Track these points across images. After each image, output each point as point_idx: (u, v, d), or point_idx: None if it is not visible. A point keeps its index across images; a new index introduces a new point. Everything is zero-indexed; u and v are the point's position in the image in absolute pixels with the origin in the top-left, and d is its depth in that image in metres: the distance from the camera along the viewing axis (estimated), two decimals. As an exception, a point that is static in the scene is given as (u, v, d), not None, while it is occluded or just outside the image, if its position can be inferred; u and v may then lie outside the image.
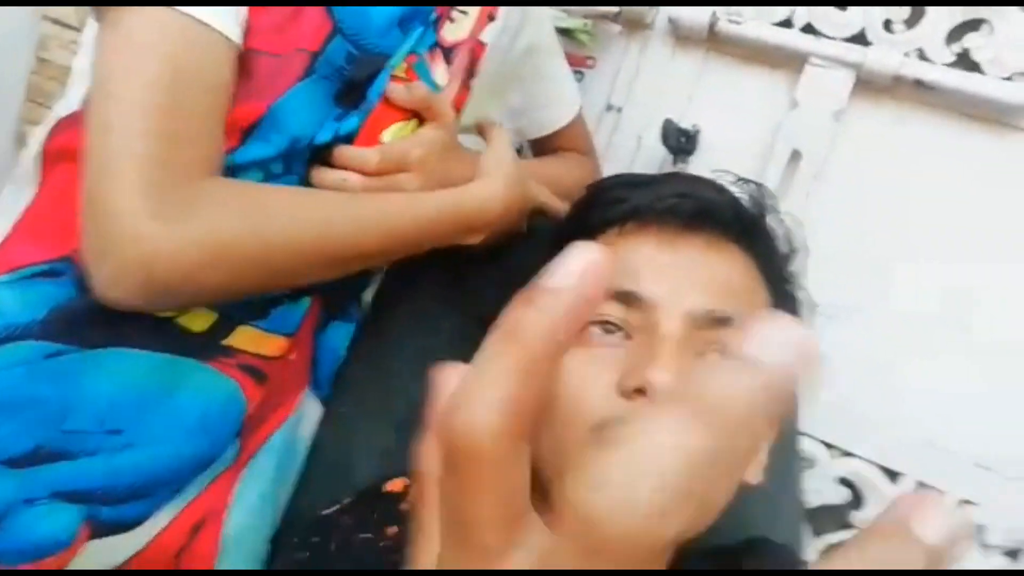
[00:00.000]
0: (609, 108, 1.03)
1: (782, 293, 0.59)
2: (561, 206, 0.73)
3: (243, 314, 0.60)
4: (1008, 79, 0.86)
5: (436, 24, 0.65)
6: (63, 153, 0.58)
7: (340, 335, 0.70)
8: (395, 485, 0.59)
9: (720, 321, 0.51)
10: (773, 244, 0.59)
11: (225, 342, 0.60)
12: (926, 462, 0.90)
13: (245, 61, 0.56)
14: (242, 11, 0.56)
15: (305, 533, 0.57)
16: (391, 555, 0.53)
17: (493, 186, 0.66)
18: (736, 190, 0.59)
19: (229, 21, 0.55)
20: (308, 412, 0.69)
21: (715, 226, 0.55)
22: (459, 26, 0.67)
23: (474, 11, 0.68)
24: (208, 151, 0.54)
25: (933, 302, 0.89)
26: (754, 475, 0.56)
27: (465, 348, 0.73)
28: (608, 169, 1.02)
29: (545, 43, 0.81)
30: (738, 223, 0.56)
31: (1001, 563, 0.87)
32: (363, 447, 0.71)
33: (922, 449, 0.90)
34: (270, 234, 0.54)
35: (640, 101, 1.02)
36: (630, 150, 1.02)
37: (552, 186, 0.75)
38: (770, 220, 0.59)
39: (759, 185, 0.60)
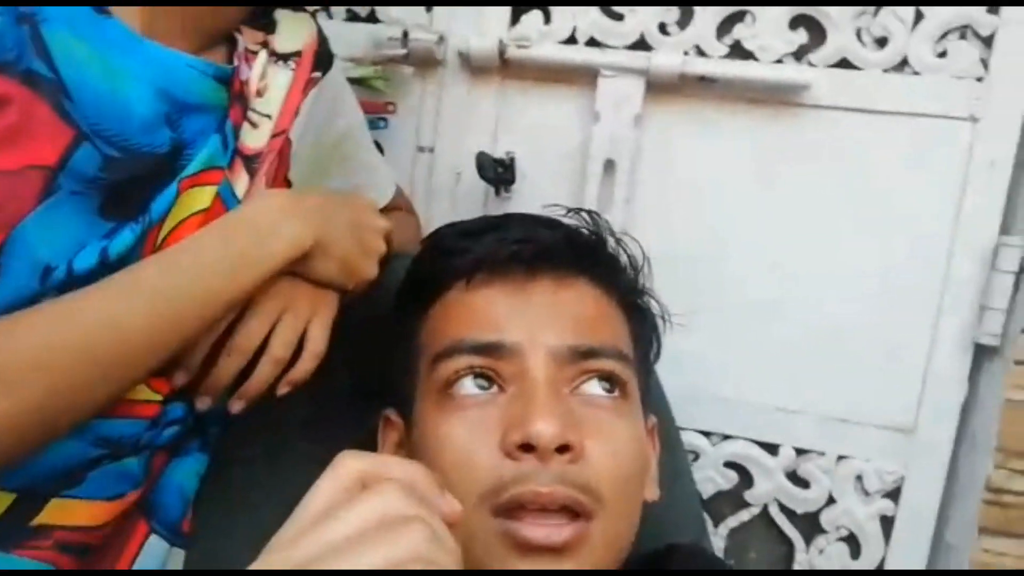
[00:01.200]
0: (421, 150, 1.01)
1: (637, 313, 0.61)
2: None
3: (51, 486, 0.52)
4: (779, 62, 0.93)
5: (235, 132, 0.59)
6: None
7: (186, 473, 0.62)
8: None
9: (584, 355, 0.52)
10: (618, 268, 0.61)
11: (35, 522, 0.52)
12: (797, 430, 0.95)
13: None
14: None
15: None
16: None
17: (263, 201, 0.57)
18: (574, 221, 0.60)
19: None
20: (158, 557, 0.60)
21: (559, 263, 0.56)
22: (260, 132, 0.61)
23: (275, 114, 0.62)
24: None
25: (759, 280, 0.94)
26: (652, 492, 0.58)
27: (338, 428, 0.66)
28: (433, 209, 1.00)
29: (355, 128, 0.78)
30: (580, 256, 0.57)
31: (884, 506, 0.93)
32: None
33: (790, 418, 0.95)
34: (46, 373, 0.46)
35: (449, 138, 1.00)
36: (450, 187, 1.00)
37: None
38: (610, 245, 0.61)
39: (592, 213, 0.62)
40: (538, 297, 0.54)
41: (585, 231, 0.60)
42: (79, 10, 0.51)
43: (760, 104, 0.94)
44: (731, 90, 0.93)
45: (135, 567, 0.58)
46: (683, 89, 0.94)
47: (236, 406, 0.58)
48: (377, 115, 0.99)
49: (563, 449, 0.47)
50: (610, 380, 0.52)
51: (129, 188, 0.53)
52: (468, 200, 0.99)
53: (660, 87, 0.94)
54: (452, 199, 1.00)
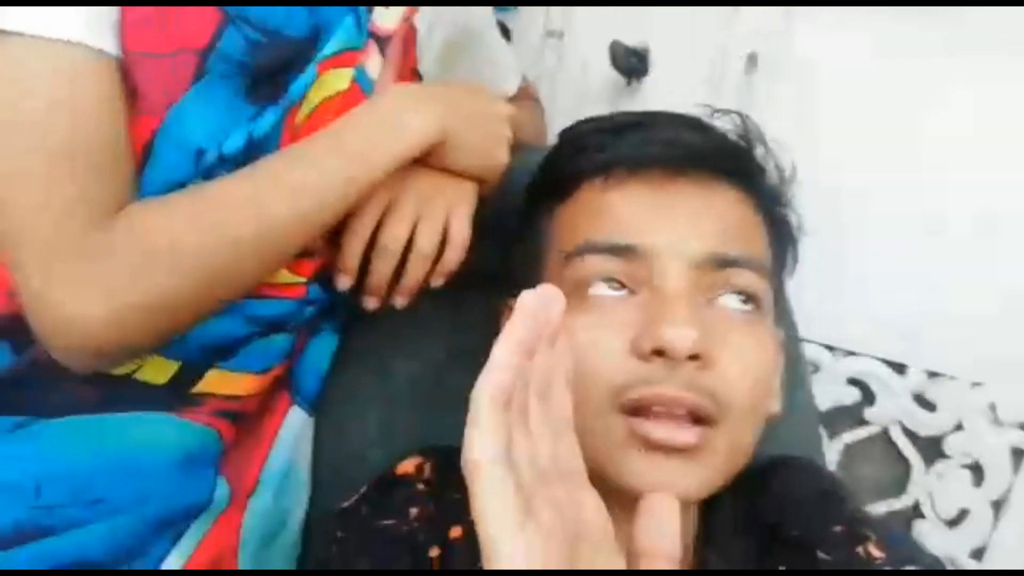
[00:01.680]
0: (550, 34, 0.97)
1: (778, 224, 0.58)
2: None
3: (209, 358, 0.56)
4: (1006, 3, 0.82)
5: (368, 12, 0.58)
6: None
7: (321, 351, 0.66)
8: (407, 466, 0.57)
9: (725, 263, 0.50)
10: (764, 176, 0.58)
11: (194, 390, 0.57)
12: (928, 351, 0.90)
13: (126, 67, 0.50)
14: (112, 13, 0.48)
15: (328, 530, 0.56)
16: (416, 537, 0.52)
17: (390, 94, 0.58)
18: (720, 123, 0.57)
19: (102, 31, 0.48)
20: (296, 427, 0.66)
21: (705, 168, 0.53)
22: (392, 12, 0.60)
23: None
24: (120, 188, 0.49)
25: (909, 198, 0.87)
26: (775, 406, 0.57)
27: (458, 315, 0.68)
28: (559, 98, 0.97)
29: (485, 24, 0.75)
30: (728, 162, 0.54)
31: (1016, 437, 0.88)
32: (369, 433, 0.69)
33: (922, 340, 0.90)
34: (207, 252, 0.49)
35: (581, 24, 0.96)
36: (579, 76, 0.96)
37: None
38: (758, 152, 0.58)
39: (743, 116, 0.58)
40: (680, 200, 0.52)
41: (733, 134, 0.57)
42: None
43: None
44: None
45: (280, 434, 0.63)
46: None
47: (399, 302, 0.61)
48: (509, -2, 0.95)
49: (693, 357, 0.47)
50: (747, 293, 0.51)
51: (271, 72, 0.54)
52: (597, 90, 0.96)
53: (817, -27, 0.85)
54: (580, 88, 0.97)
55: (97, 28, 0.47)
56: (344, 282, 0.59)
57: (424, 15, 0.63)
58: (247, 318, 0.57)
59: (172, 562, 0.57)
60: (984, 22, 0.83)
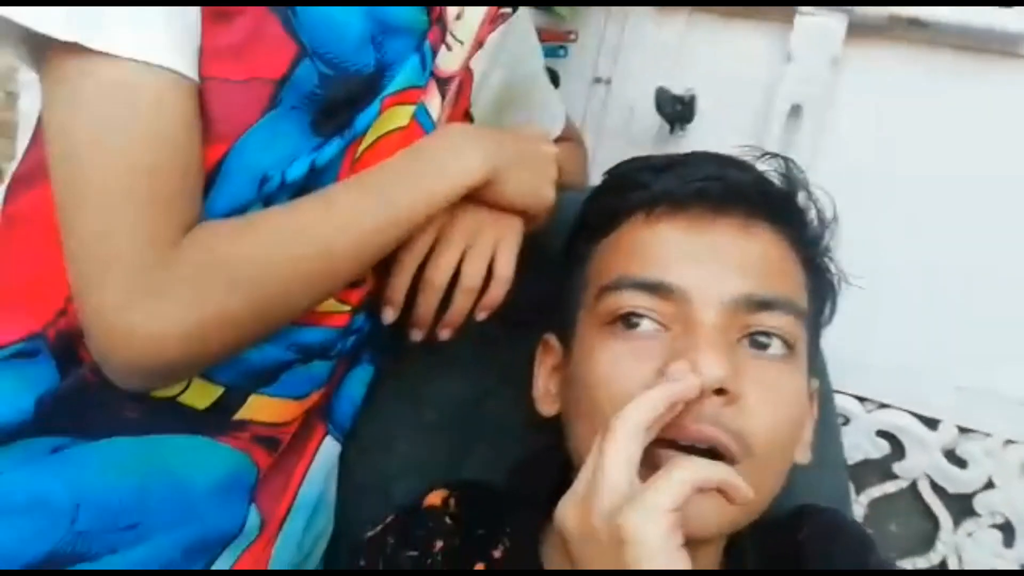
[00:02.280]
0: (597, 80, 1.00)
1: (817, 271, 0.58)
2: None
3: (251, 383, 0.58)
4: (1000, 5, 0.83)
5: (432, 53, 0.60)
6: (21, 218, 0.54)
7: (357, 381, 0.68)
8: (434, 498, 0.58)
9: (760, 305, 0.50)
10: (805, 222, 0.58)
11: (237, 416, 0.58)
12: (961, 406, 0.89)
13: (201, 93, 0.51)
14: (195, 39, 0.50)
15: (351, 558, 0.56)
16: (439, 570, 0.53)
17: (443, 133, 0.60)
18: (763, 166, 0.57)
19: (186, 56, 0.49)
20: (330, 458, 0.67)
21: (746, 207, 0.53)
22: (455, 55, 0.62)
23: (469, 39, 0.63)
24: (192, 210, 0.50)
25: (946, 245, 0.88)
26: (803, 455, 0.56)
27: (492, 350, 0.69)
28: (605, 143, 0.99)
29: (537, 70, 0.78)
30: (769, 203, 0.54)
31: (1051, 498, 0.87)
32: (397, 463, 0.70)
33: (955, 394, 0.90)
34: (269, 276, 0.51)
35: (628, 71, 0.98)
36: (624, 122, 0.99)
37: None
38: (800, 196, 0.58)
39: (787, 160, 0.58)
40: (720, 239, 0.52)
41: (776, 177, 0.57)
42: None
43: (975, 53, 0.85)
44: (943, 36, 0.85)
45: (313, 464, 0.64)
46: (889, 32, 0.87)
47: (444, 334, 0.62)
48: (558, 43, 0.99)
49: (720, 392, 0.47)
50: (781, 337, 0.51)
51: (338, 106, 0.56)
52: (641, 136, 0.98)
53: (863, 28, 0.87)
54: (625, 134, 0.99)
55: (181, 52, 0.49)
56: (390, 315, 0.61)
57: (480, 59, 0.65)
58: (290, 345, 0.58)
59: None
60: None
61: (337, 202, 0.54)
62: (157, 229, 0.48)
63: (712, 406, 0.47)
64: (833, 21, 0.88)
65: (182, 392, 0.55)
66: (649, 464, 0.44)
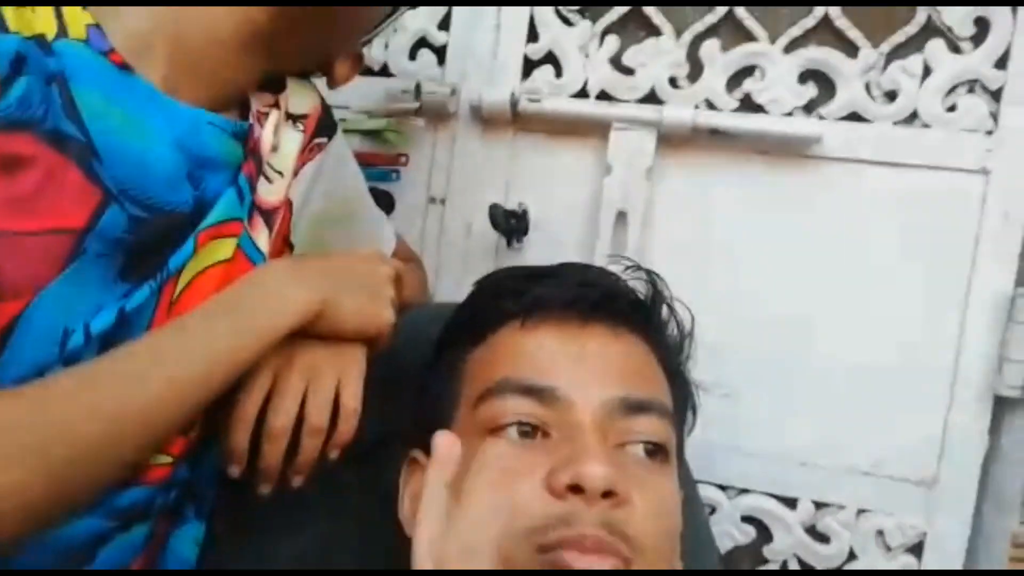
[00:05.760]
0: (432, 201, 1.01)
1: (677, 377, 0.60)
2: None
3: (64, 564, 0.50)
4: (789, 115, 0.94)
5: (250, 185, 0.58)
6: None
7: (187, 540, 0.61)
8: None
9: (636, 407, 0.52)
10: (665, 331, 0.61)
11: None
12: (815, 483, 0.93)
13: None
14: None
15: None
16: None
17: (266, 269, 0.57)
18: (629, 278, 0.61)
19: None
20: None
21: (614, 315, 0.56)
22: (276, 187, 0.61)
23: (287, 170, 0.62)
24: None
25: (775, 333, 0.94)
26: (679, 561, 0.56)
27: (342, 497, 0.63)
28: (444, 261, 0.99)
29: (358, 195, 0.78)
30: (636, 312, 0.58)
31: (907, 561, 0.91)
32: None
33: (808, 471, 0.93)
34: (54, 444, 0.44)
35: (461, 190, 1.00)
36: (462, 239, 1.00)
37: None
38: (663, 308, 0.61)
39: (650, 272, 0.62)
40: (592, 345, 0.54)
41: (641, 287, 0.60)
42: (106, 68, 0.51)
43: (771, 157, 0.94)
44: (742, 143, 0.94)
45: None
46: (694, 142, 0.95)
47: (296, 481, 0.57)
48: (389, 167, 1.00)
49: (608, 494, 0.47)
50: (654, 443, 0.52)
51: (151, 248, 0.52)
52: (479, 252, 0.99)
53: (671, 140, 0.95)
54: (463, 251, 1.00)
55: None
56: (235, 471, 0.55)
57: (297, 188, 0.64)
58: (109, 511, 0.51)
59: None
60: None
61: (151, 352, 0.49)
62: None
63: (601, 507, 0.47)
64: (644, 134, 0.95)
65: None
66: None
